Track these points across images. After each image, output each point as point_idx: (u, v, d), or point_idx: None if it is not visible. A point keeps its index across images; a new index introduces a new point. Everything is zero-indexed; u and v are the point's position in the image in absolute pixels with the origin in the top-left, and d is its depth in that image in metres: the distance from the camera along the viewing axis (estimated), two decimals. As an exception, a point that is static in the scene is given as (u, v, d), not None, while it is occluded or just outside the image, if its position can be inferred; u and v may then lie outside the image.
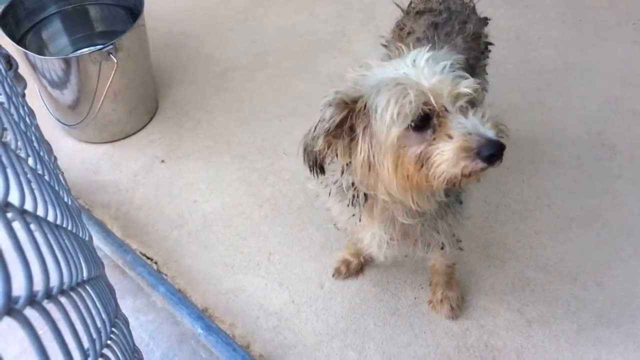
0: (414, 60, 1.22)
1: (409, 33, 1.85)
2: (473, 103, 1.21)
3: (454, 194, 1.51)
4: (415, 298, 2.08)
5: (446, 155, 1.17)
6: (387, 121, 1.18)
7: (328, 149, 1.28)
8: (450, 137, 1.16)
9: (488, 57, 2.04)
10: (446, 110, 1.17)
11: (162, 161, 2.60)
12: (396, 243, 1.56)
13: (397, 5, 2.09)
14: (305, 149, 1.31)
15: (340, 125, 1.25)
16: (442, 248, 1.67)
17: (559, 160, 2.50)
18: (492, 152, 1.15)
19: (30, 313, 0.55)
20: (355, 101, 1.24)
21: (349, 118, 1.25)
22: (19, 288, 0.54)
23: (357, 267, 2.12)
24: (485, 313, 2.02)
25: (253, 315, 2.06)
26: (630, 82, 2.86)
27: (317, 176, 1.37)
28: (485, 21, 2.02)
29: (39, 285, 0.62)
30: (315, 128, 1.25)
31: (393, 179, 1.25)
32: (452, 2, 1.92)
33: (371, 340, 1.98)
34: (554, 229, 2.26)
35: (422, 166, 1.21)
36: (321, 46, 3.15)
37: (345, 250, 2.12)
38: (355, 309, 2.06)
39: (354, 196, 1.44)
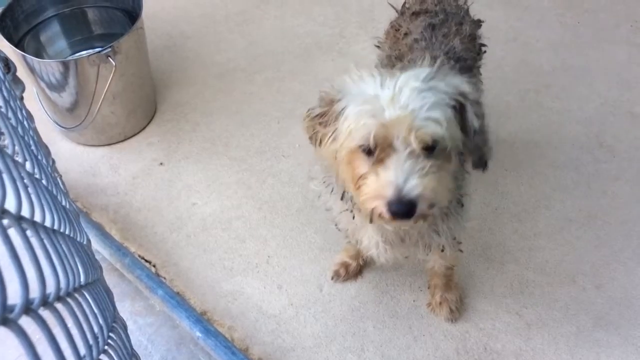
0: (396, 85, 1.21)
1: (405, 34, 1.85)
2: (433, 147, 1.21)
3: (456, 195, 1.51)
4: (414, 301, 2.08)
5: (367, 190, 1.23)
6: (345, 134, 1.24)
7: (313, 132, 1.38)
8: (377, 175, 1.21)
9: (482, 59, 2.04)
10: (392, 147, 1.19)
11: (161, 164, 2.60)
12: (395, 245, 1.56)
13: (392, 6, 2.08)
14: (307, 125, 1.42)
15: (321, 116, 1.33)
16: (442, 250, 1.68)
17: (558, 162, 2.50)
18: (396, 210, 1.19)
19: (26, 320, 0.55)
20: (333, 102, 1.30)
21: (328, 114, 1.32)
22: (14, 296, 0.54)
23: (355, 269, 2.12)
24: (484, 315, 2.02)
25: (252, 318, 2.06)
26: (629, 83, 2.86)
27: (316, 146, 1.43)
28: (479, 23, 2.02)
29: (35, 292, 0.62)
30: (309, 113, 1.37)
31: (349, 184, 1.33)
32: (447, 4, 1.93)
33: (370, 343, 1.97)
34: (553, 231, 2.26)
35: (359, 187, 1.26)
36: (319, 48, 3.15)
37: (344, 252, 2.11)
38: (354, 312, 2.06)
39: (344, 192, 1.47)
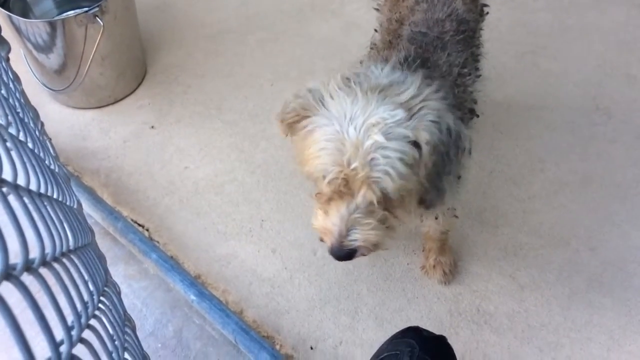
0: (362, 127, 1.17)
1: (406, -5, 1.80)
2: (386, 196, 1.21)
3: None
4: (407, 264, 2.08)
5: (316, 222, 1.34)
6: (310, 157, 1.24)
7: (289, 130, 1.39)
8: (326, 214, 1.28)
9: (484, 20, 2.00)
10: (349, 191, 1.22)
11: (152, 127, 2.57)
12: None
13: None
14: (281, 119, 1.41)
15: (295, 119, 1.34)
16: (436, 218, 1.67)
17: (553, 125, 2.48)
18: (336, 254, 1.30)
19: (7, 287, 0.53)
20: (304, 116, 1.31)
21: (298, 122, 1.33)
22: (-6, 262, 0.52)
23: (349, 233, 2.11)
24: (478, 278, 2.03)
25: (246, 281, 2.06)
26: (627, 45, 2.82)
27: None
28: (481, -18, 1.97)
29: (17, 257, 0.60)
30: (282, 111, 1.38)
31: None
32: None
33: (364, 305, 1.98)
34: (548, 194, 2.25)
35: (316, 207, 1.35)
36: (313, 8, 3.08)
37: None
38: (348, 275, 2.06)
39: None
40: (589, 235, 2.12)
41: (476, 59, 1.84)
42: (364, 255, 1.32)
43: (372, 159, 1.15)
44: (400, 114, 1.18)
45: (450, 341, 1.47)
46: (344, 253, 1.28)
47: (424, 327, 1.52)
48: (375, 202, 1.21)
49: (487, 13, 2.00)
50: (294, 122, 1.34)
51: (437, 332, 1.49)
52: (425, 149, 1.19)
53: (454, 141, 1.24)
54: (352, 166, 1.16)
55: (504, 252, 2.09)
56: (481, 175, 2.31)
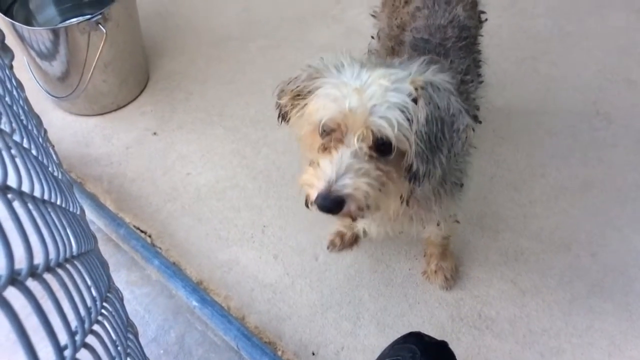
0: (368, 78, 1.20)
1: (406, 2, 1.81)
2: (388, 151, 1.20)
3: (454, 177, 1.50)
4: (409, 269, 2.08)
5: (305, 176, 1.25)
6: (309, 112, 1.25)
7: (291, 107, 1.36)
8: (317, 165, 1.21)
9: (482, 27, 2.01)
10: (342, 139, 1.20)
11: (154, 133, 2.58)
12: (384, 222, 1.55)
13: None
14: (278, 94, 1.40)
15: (296, 92, 1.32)
16: (437, 224, 1.67)
17: (554, 130, 2.49)
18: (321, 204, 1.19)
19: (13, 292, 0.54)
20: (307, 86, 1.30)
21: (303, 89, 1.31)
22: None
23: (351, 239, 2.12)
24: (479, 283, 2.03)
25: (248, 287, 2.07)
26: (626, 50, 2.83)
27: (281, 123, 1.44)
28: (478, -12, 1.98)
29: (22, 263, 0.61)
30: (289, 83, 1.34)
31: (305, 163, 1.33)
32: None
33: (366, 311, 1.99)
34: (548, 199, 2.25)
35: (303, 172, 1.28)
36: (314, 14, 3.10)
37: (339, 222, 2.11)
38: (350, 281, 2.06)
39: None
40: (590, 240, 2.12)
41: (478, 65, 1.85)
42: (352, 214, 1.22)
43: (373, 106, 1.16)
44: (404, 74, 1.22)
45: (452, 346, 1.47)
46: (330, 202, 1.17)
47: (425, 333, 1.52)
48: (374, 154, 1.19)
49: (486, 19, 2.02)
50: (296, 95, 1.32)
51: (438, 337, 1.50)
52: (422, 102, 1.18)
53: (450, 116, 1.22)
54: (354, 106, 1.16)
55: (505, 257, 2.09)
56: (482, 180, 2.31)
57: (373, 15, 2.09)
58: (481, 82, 1.83)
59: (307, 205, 1.28)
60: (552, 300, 1.98)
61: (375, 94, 1.17)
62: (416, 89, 1.19)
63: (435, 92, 1.20)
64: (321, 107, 1.21)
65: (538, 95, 2.63)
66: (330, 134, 1.22)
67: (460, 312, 1.97)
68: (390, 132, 1.15)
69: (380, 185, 1.21)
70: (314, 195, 1.20)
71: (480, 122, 1.70)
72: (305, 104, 1.29)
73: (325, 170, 1.18)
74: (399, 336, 1.55)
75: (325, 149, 1.23)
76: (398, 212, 1.46)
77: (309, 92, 1.29)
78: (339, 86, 1.21)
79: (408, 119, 1.17)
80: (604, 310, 1.95)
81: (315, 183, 1.19)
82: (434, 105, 1.19)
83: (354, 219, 1.27)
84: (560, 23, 2.98)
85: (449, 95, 1.23)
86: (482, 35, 1.99)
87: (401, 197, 1.37)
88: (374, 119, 1.15)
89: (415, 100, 1.18)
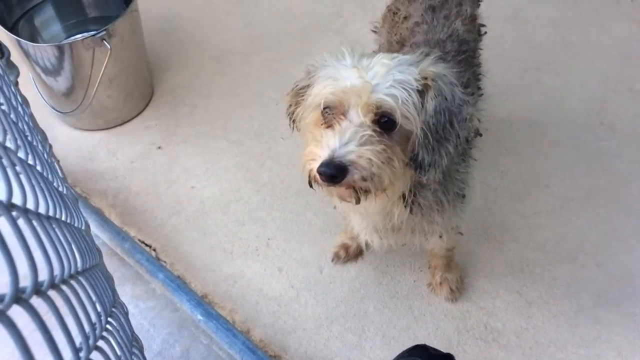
0: (370, 62, 1.22)
1: (405, 17, 1.82)
2: (393, 122, 1.19)
3: (456, 188, 1.50)
4: (414, 281, 2.08)
5: (307, 152, 1.22)
6: (309, 105, 1.25)
7: (295, 107, 1.38)
8: (320, 139, 1.20)
9: (482, 40, 2.02)
10: (345, 115, 1.19)
11: (159, 147, 2.59)
12: (387, 233, 1.55)
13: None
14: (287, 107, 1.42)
15: (303, 89, 1.34)
16: (440, 236, 1.67)
17: (558, 141, 2.48)
18: (323, 171, 1.15)
19: (17, 310, 0.54)
20: (310, 80, 1.31)
21: (305, 90, 1.33)
22: (4, 286, 0.53)
23: (355, 251, 2.12)
24: (485, 295, 2.02)
25: (252, 300, 2.06)
26: (630, 60, 2.83)
27: (293, 130, 1.44)
28: (478, 2, 1.99)
29: (26, 279, 0.61)
30: (293, 88, 1.38)
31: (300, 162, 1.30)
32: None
33: (371, 323, 1.98)
34: (553, 210, 2.25)
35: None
36: (317, 28, 3.12)
37: (343, 234, 2.11)
38: (355, 293, 2.06)
39: None
40: (595, 251, 2.12)
41: (477, 78, 1.86)
42: (356, 184, 1.18)
43: (376, 84, 1.16)
44: (408, 59, 1.24)
45: (458, 359, 1.46)
46: (332, 168, 1.13)
47: (431, 345, 1.52)
48: (377, 128, 1.17)
49: (485, 33, 2.02)
50: (304, 87, 1.33)
51: (444, 350, 1.50)
52: (432, 93, 1.19)
53: (457, 107, 1.23)
54: (355, 83, 1.16)
55: (511, 268, 2.09)
56: (486, 191, 2.31)
57: (374, 31, 2.10)
58: (481, 94, 1.84)
59: (310, 185, 1.25)
60: (558, 311, 1.97)
61: (379, 72, 1.18)
62: (425, 79, 1.20)
63: (445, 84, 1.22)
64: (322, 87, 1.21)
65: (541, 106, 2.63)
66: (332, 113, 1.21)
67: (466, 324, 1.96)
68: (393, 105, 1.15)
69: (384, 158, 1.18)
70: (316, 164, 1.17)
71: (481, 135, 1.70)
72: (307, 97, 1.30)
73: (328, 141, 1.16)
74: (405, 349, 1.55)
75: (328, 126, 1.22)
76: (402, 218, 1.45)
77: (311, 85, 1.30)
78: (339, 68, 1.22)
79: (413, 101, 1.17)
80: (610, 321, 1.94)
81: (319, 153, 1.17)
82: (443, 97, 1.21)
83: (357, 197, 1.22)
84: (563, 33, 2.99)
85: (453, 86, 1.25)
86: (481, 49, 2.00)
87: (404, 196, 1.37)
88: (376, 94, 1.16)
89: (421, 88, 1.20)
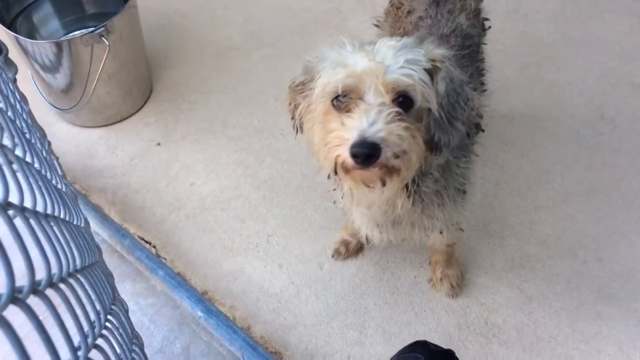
0: (373, 47, 1.21)
1: (409, 12, 1.82)
2: (411, 100, 1.17)
3: (456, 183, 1.49)
4: (414, 277, 2.08)
5: (331, 139, 1.18)
6: (319, 96, 1.22)
7: (295, 105, 1.37)
8: (343, 123, 1.16)
9: (486, 35, 2.01)
10: (362, 98, 1.16)
11: (158, 144, 2.58)
12: (387, 227, 1.54)
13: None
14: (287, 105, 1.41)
15: (302, 84, 1.33)
16: (440, 232, 1.66)
17: (558, 136, 2.48)
18: (357, 152, 1.11)
19: (14, 310, 0.54)
20: (311, 73, 1.30)
21: (306, 85, 1.31)
22: (0, 286, 0.53)
23: (356, 247, 2.11)
24: (485, 290, 2.02)
25: (253, 297, 2.06)
26: (630, 54, 2.82)
27: (297, 132, 1.43)
28: (481, -4, 1.98)
29: (24, 278, 0.61)
30: (290, 85, 1.37)
31: (320, 154, 1.26)
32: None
33: (371, 319, 1.98)
34: (554, 205, 2.24)
35: (325, 145, 1.21)
36: (316, 24, 3.11)
37: (343, 230, 2.11)
38: (355, 289, 2.06)
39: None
40: (596, 246, 2.11)
41: (481, 74, 1.85)
42: (389, 162, 1.14)
43: (388, 66, 1.15)
44: (411, 41, 1.23)
45: (458, 355, 1.46)
46: (366, 148, 1.09)
47: (432, 341, 1.51)
48: (396, 107, 1.15)
49: (489, 27, 2.02)
50: (303, 83, 1.32)
51: (445, 345, 1.49)
52: (442, 74, 1.20)
53: (459, 86, 1.24)
54: (367, 66, 1.15)
55: (511, 263, 2.08)
56: (487, 187, 2.31)
57: (377, 25, 2.09)
58: (484, 90, 1.83)
59: (335, 172, 1.22)
60: (559, 307, 1.97)
61: (387, 55, 1.17)
62: (434, 61, 1.20)
63: (451, 65, 1.23)
64: (331, 75, 1.19)
65: (542, 101, 2.63)
66: (347, 100, 1.19)
67: (467, 319, 1.96)
68: (411, 83, 1.14)
69: (410, 135, 1.17)
70: (345, 151, 1.13)
71: (483, 130, 1.70)
72: (310, 93, 1.28)
73: (355, 123, 1.13)
74: (405, 345, 1.55)
75: (347, 111, 1.18)
76: (406, 209, 1.43)
77: (312, 79, 1.28)
78: (345, 56, 1.21)
79: (426, 80, 1.17)
80: (611, 317, 1.93)
81: (347, 136, 1.13)
82: (450, 78, 1.21)
83: (384, 179, 1.20)
84: (564, 28, 2.98)
85: (455, 67, 1.26)
86: (485, 44, 1.99)
87: (407, 186, 1.36)
88: (391, 74, 1.14)
89: (429, 67, 1.19)
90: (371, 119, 1.11)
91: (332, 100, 1.21)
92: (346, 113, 1.17)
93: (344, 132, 1.14)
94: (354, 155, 1.12)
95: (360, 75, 1.15)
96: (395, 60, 1.16)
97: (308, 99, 1.30)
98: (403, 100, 1.17)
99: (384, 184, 1.22)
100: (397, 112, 1.14)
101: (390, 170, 1.17)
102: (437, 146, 1.22)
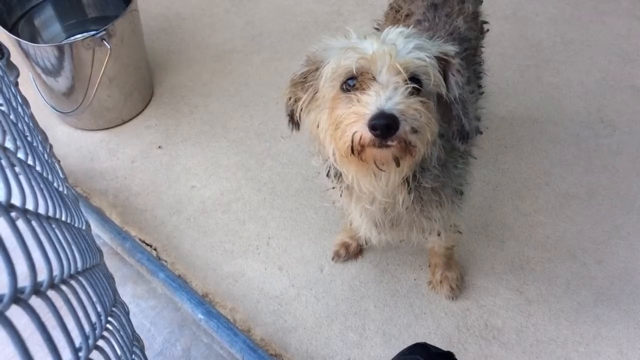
0: (381, 34, 1.24)
1: (407, 15, 1.82)
2: (419, 83, 1.18)
3: (454, 183, 1.50)
4: (414, 279, 2.08)
5: (346, 117, 1.17)
6: (328, 81, 1.23)
7: (295, 100, 1.37)
8: (358, 100, 1.15)
9: (484, 37, 2.02)
10: (374, 78, 1.16)
11: (159, 147, 2.59)
12: (385, 228, 1.55)
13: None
14: (286, 101, 1.41)
15: (304, 78, 1.33)
16: (438, 235, 1.67)
17: (558, 138, 2.48)
18: (376, 124, 1.09)
19: (16, 311, 0.55)
20: (316, 63, 1.30)
21: (310, 76, 1.32)
22: (3, 286, 0.53)
23: (356, 249, 2.12)
24: (485, 293, 2.03)
25: (253, 299, 2.07)
26: (630, 57, 2.83)
27: (293, 130, 1.45)
28: (480, -1, 2.00)
29: (26, 279, 0.62)
30: (293, 74, 1.37)
31: (327, 142, 1.27)
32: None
33: (371, 321, 1.98)
34: (553, 207, 2.25)
35: (337, 127, 1.20)
36: (317, 27, 3.12)
37: (343, 232, 2.11)
38: (355, 292, 2.06)
39: (330, 167, 1.47)
40: (596, 248, 2.12)
41: (478, 77, 1.86)
42: (407, 137, 1.13)
43: (401, 48, 1.17)
44: (415, 31, 1.27)
45: (458, 357, 1.47)
46: (385, 119, 1.08)
47: (431, 343, 1.52)
48: (405, 83, 1.15)
49: (487, 30, 2.02)
50: (306, 74, 1.33)
51: (445, 348, 1.50)
52: (457, 67, 1.24)
53: (467, 83, 1.31)
54: (376, 49, 1.16)
55: (511, 266, 2.09)
56: (486, 189, 2.31)
57: (377, 28, 2.10)
58: (482, 93, 1.84)
59: (352, 151, 1.18)
60: (558, 309, 1.97)
61: (398, 39, 1.19)
62: (445, 55, 1.25)
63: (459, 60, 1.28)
64: (342, 59, 1.19)
65: (541, 104, 2.63)
66: (355, 83, 1.19)
67: (467, 322, 1.96)
68: (423, 64, 1.17)
69: (425, 110, 1.17)
70: (362, 126, 1.12)
71: (481, 133, 1.71)
72: (316, 82, 1.29)
73: (371, 99, 1.12)
74: (405, 347, 1.55)
75: (360, 91, 1.17)
76: (407, 204, 1.44)
77: (318, 68, 1.28)
78: (355, 42, 1.22)
79: (436, 65, 1.20)
80: (610, 319, 1.94)
81: (364, 111, 1.12)
82: (462, 72, 1.26)
83: (398, 158, 1.18)
84: (563, 30, 2.99)
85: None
86: (483, 47, 2.00)
87: (408, 181, 1.37)
88: (403, 56, 1.16)
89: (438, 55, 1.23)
90: (388, 94, 1.12)
91: (341, 85, 1.21)
92: (360, 92, 1.17)
93: (361, 108, 1.13)
94: (372, 128, 1.11)
95: (372, 57, 1.16)
96: (405, 44, 1.19)
97: (312, 88, 1.31)
98: (413, 80, 1.18)
99: (397, 164, 1.21)
100: (414, 88, 1.16)
101: (406, 149, 1.16)
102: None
